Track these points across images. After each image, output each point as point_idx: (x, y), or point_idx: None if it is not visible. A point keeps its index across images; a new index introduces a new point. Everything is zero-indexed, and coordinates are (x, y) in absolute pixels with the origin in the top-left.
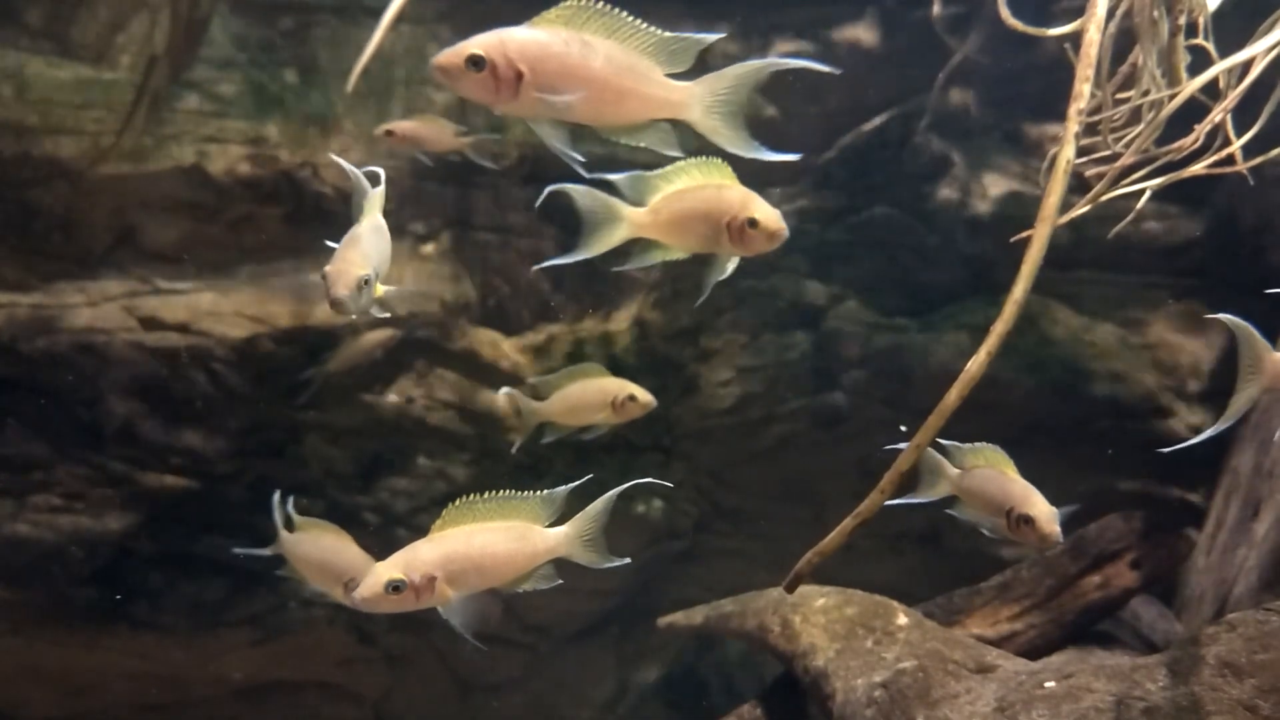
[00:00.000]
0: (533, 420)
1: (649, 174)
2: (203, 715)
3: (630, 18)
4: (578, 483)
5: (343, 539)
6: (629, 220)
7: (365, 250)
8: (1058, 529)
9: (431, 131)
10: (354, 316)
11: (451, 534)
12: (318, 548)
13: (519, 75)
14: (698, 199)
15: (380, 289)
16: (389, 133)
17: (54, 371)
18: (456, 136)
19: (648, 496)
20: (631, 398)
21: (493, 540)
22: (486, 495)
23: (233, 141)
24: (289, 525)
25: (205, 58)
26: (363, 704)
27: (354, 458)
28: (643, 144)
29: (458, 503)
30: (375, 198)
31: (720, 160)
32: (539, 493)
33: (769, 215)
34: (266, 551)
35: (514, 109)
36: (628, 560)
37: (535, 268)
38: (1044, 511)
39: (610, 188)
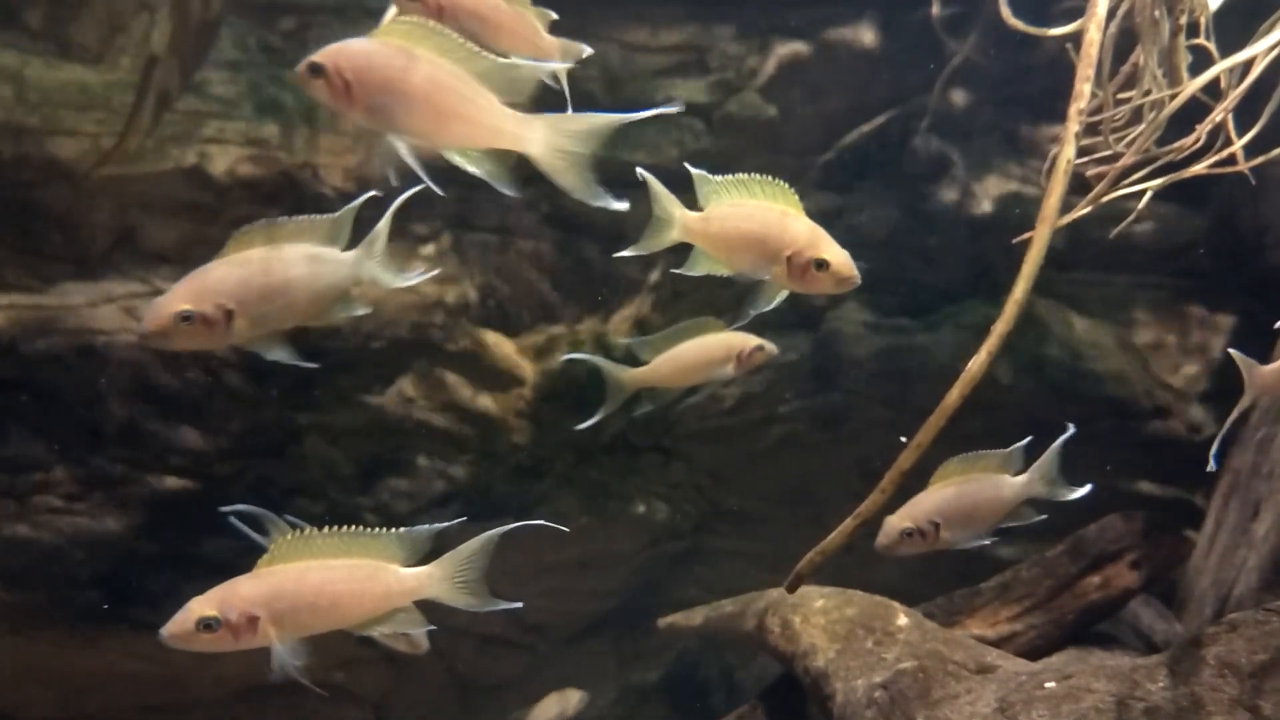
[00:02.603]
0: (625, 390)
1: (715, 177)
2: (203, 716)
3: (467, 43)
4: (444, 525)
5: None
6: (681, 223)
7: (212, 281)
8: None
9: None
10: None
11: (281, 570)
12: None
13: (348, 85)
14: (757, 221)
15: (244, 326)
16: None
17: (54, 372)
18: None
19: (648, 497)
20: (760, 348)
21: (332, 578)
22: (328, 530)
23: (233, 142)
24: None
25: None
26: (363, 704)
27: (354, 458)
28: (479, 173)
29: (290, 537)
30: (331, 224)
31: (785, 184)
32: (399, 530)
33: (841, 258)
34: (266, 542)
35: (360, 121)
36: (518, 605)
37: (616, 255)
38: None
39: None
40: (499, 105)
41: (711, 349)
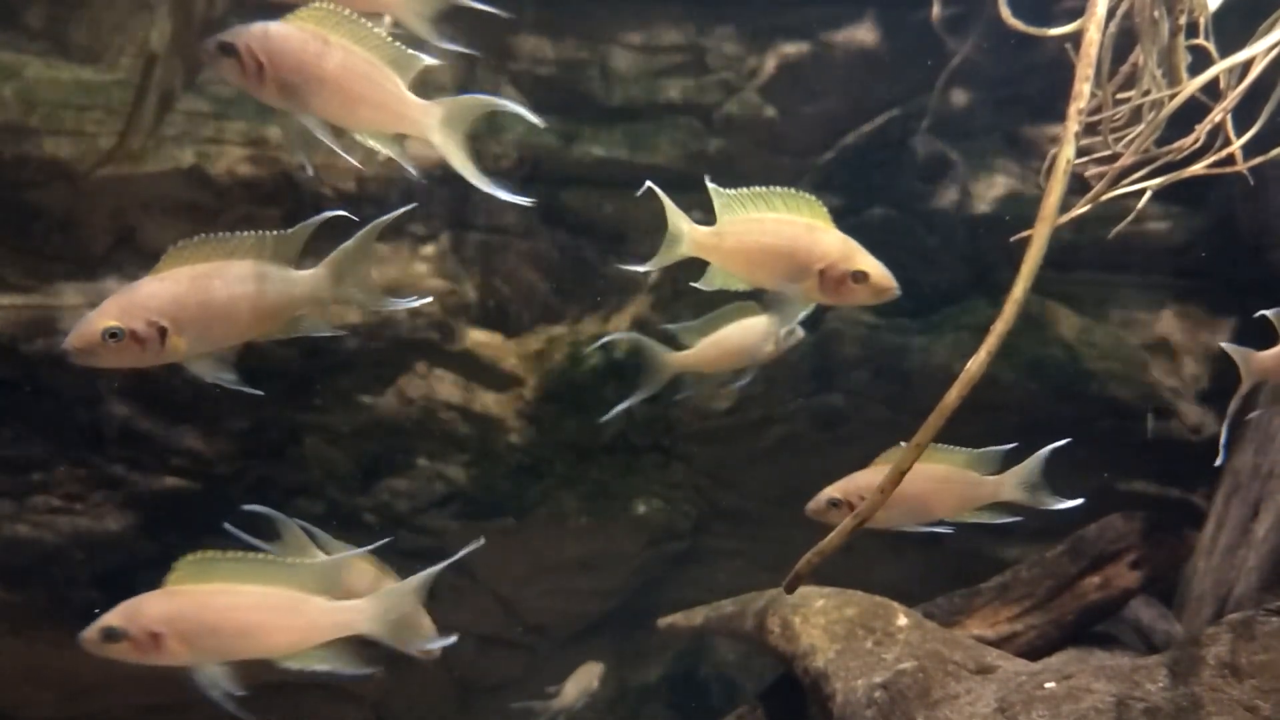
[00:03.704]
0: (667, 372)
1: (729, 191)
2: (203, 716)
3: (377, 29)
4: (360, 550)
5: (386, 576)
6: (690, 238)
7: (143, 296)
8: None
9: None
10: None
11: (189, 590)
12: (361, 583)
13: (260, 66)
14: (783, 235)
15: (180, 344)
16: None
17: (54, 372)
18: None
19: (648, 497)
20: (792, 330)
21: (239, 604)
22: (240, 554)
23: (232, 143)
24: (315, 542)
25: None
26: (362, 705)
27: (354, 459)
28: (389, 154)
29: (192, 557)
30: (280, 241)
31: (813, 198)
32: (314, 561)
33: (879, 270)
34: (271, 549)
35: (269, 100)
36: (453, 639)
37: (620, 267)
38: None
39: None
40: (405, 91)
41: (753, 331)
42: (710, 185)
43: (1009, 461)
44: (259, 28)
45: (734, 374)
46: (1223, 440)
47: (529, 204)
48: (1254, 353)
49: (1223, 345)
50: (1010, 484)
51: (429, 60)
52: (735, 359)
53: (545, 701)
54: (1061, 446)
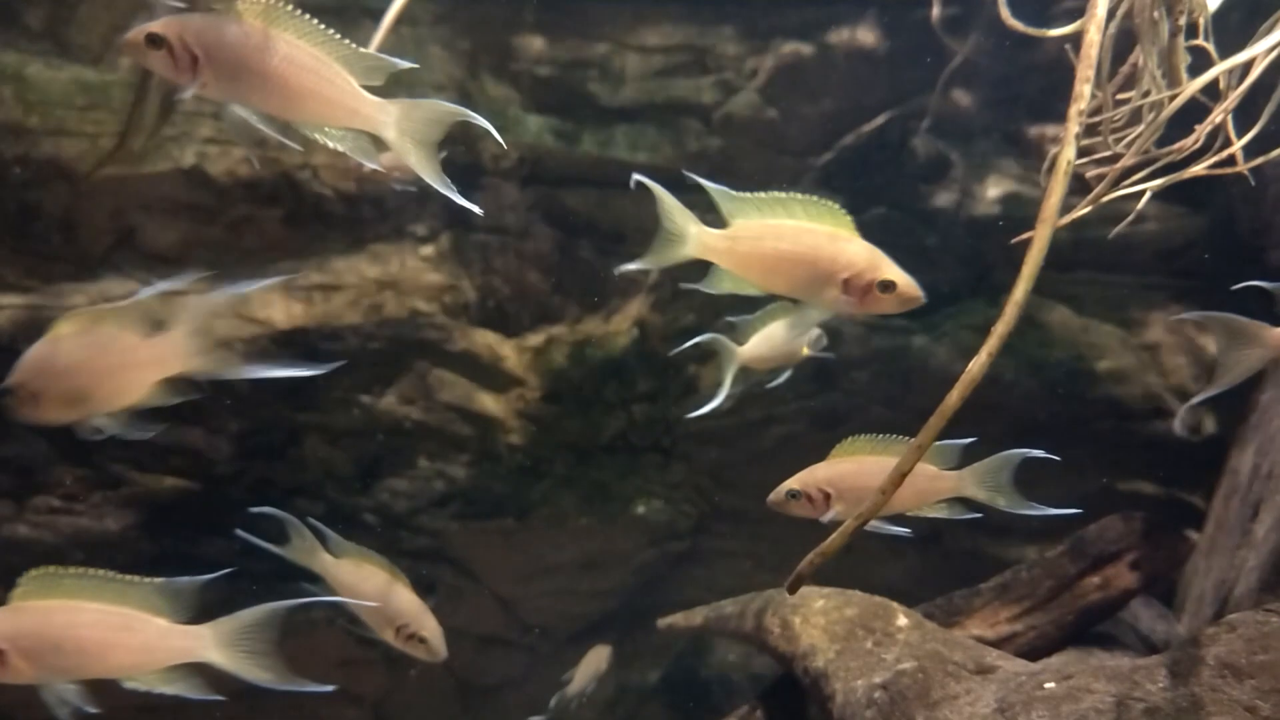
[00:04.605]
0: (733, 364)
1: (744, 195)
2: (202, 716)
3: (324, 27)
4: (209, 576)
5: (396, 580)
6: (697, 239)
7: (53, 358)
8: None
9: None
10: None
11: (30, 606)
12: (372, 587)
13: (195, 59)
14: (808, 243)
15: (104, 422)
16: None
17: None
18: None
19: (648, 497)
20: (823, 334)
21: (77, 621)
22: (87, 570)
23: (233, 143)
24: (324, 543)
25: None
26: (362, 705)
27: (354, 459)
28: (343, 149)
29: (37, 572)
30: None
31: (838, 207)
32: (160, 580)
33: (905, 279)
34: (282, 551)
35: (203, 92)
36: (328, 689)
37: (618, 270)
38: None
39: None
40: (357, 87)
41: (794, 331)
42: (713, 187)
43: (970, 456)
44: (194, 18)
45: (769, 372)
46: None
47: (478, 211)
48: (1270, 328)
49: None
50: (970, 480)
51: (403, 64)
52: (779, 358)
53: (559, 691)
54: (1034, 450)
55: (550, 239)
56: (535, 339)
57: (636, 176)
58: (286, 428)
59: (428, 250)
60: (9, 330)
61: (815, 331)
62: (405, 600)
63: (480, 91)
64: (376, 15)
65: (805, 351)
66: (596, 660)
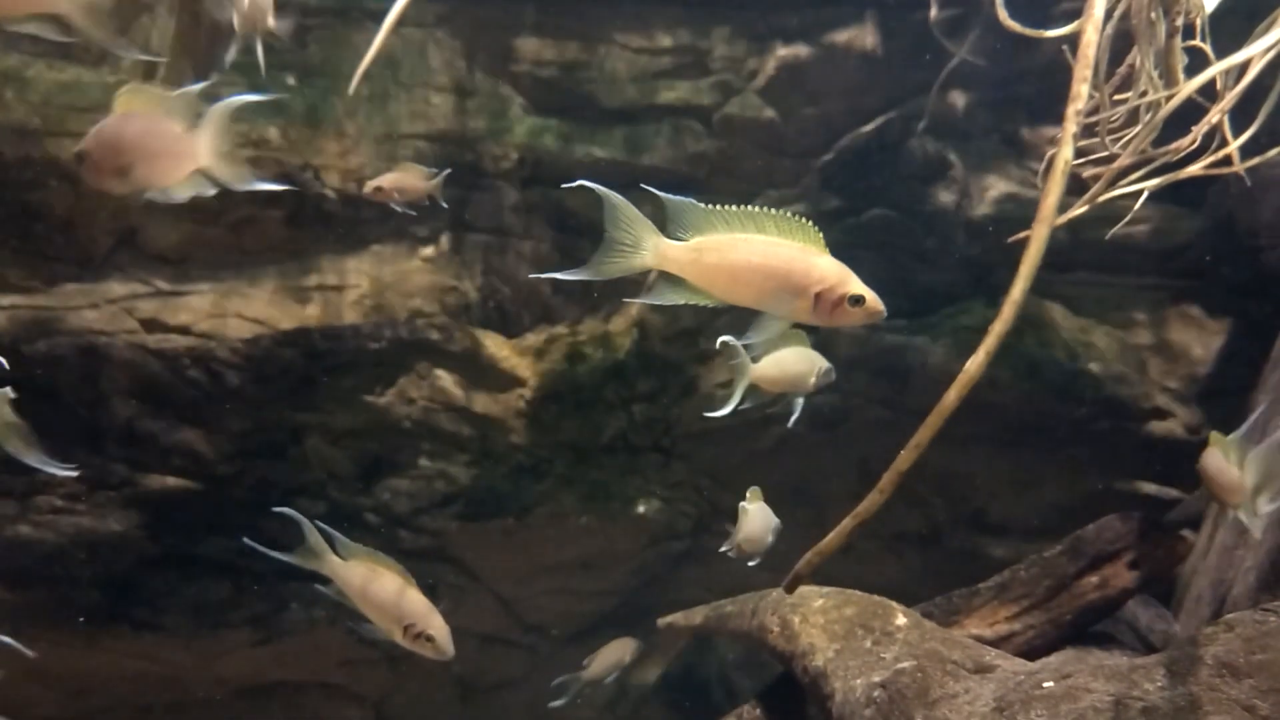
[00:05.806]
0: (746, 377)
1: (706, 207)
2: (204, 716)
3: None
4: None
5: (405, 582)
6: (655, 250)
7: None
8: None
9: (409, 180)
10: None
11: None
12: (380, 588)
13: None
14: (779, 257)
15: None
16: (378, 189)
17: (56, 373)
18: (427, 180)
19: (648, 497)
20: (830, 370)
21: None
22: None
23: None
24: (332, 545)
25: None
26: (364, 704)
27: (355, 459)
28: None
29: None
30: None
31: (811, 224)
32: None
33: (872, 295)
34: (292, 558)
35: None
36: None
37: (532, 275)
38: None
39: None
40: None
41: (804, 360)
42: (677, 199)
43: None
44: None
45: (774, 398)
46: None
47: (283, 189)
48: None
49: None
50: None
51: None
52: (786, 384)
53: (574, 673)
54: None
55: (550, 239)
56: (535, 339)
57: (582, 181)
58: (288, 428)
59: (429, 251)
60: (11, 330)
61: (824, 364)
62: (413, 600)
63: (481, 92)
64: (378, 17)
65: (811, 383)
66: (620, 651)
